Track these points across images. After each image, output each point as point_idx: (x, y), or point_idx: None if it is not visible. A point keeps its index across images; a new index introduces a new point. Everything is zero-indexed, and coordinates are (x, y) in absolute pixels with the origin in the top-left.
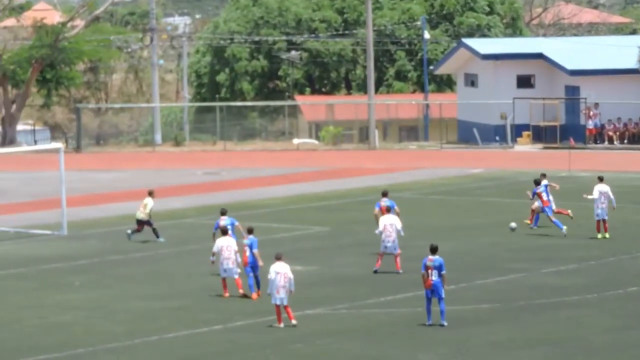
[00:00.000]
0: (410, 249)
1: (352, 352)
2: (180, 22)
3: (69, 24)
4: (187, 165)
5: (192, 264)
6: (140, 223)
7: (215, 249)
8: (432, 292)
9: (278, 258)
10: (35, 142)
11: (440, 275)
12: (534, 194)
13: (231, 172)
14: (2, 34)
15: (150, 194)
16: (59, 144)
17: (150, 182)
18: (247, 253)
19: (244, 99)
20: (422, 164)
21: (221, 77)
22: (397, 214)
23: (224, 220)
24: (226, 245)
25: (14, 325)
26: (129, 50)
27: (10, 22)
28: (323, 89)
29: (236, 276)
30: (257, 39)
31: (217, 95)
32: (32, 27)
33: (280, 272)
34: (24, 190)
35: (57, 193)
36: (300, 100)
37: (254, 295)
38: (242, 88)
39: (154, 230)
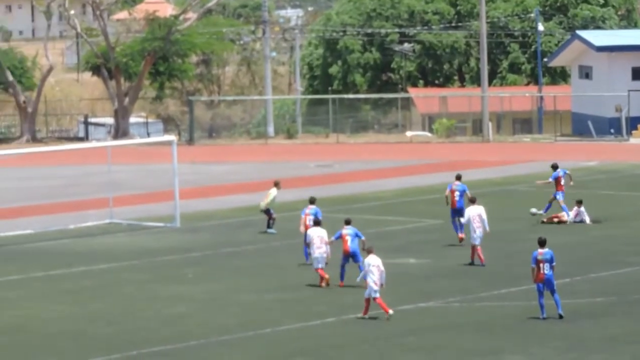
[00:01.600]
0: (525, 242)
1: (465, 346)
2: (293, 14)
3: (181, 17)
4: (300, 157)
5: (303, 256)
6: (266, 212)
7: (307, 239)
8: (544, 285)
9: (369, 251)
10: (148, 135)
11: (551, 268)
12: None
13: (344, 164)
14: (115, 27)
15: (276, 184)
16: (171, 137)
17: (263, 174)
18: (349, 243)
19: (357, 92)
20: (535, 156)
21: (334, 70)
22: (469, 199)
23: (310, 209)
24: (317, 235)
25: (127, 318)
26: (242, 42)
27: (123, 15)
28: (436, 82)
29: (320, 266)
30: (369, 31)
31: (329, 88)
32: (144, 20)
33: (374, 265)
34: (137, 183)
35: (169, 185)
36: (413, 92)
37: (341, 284)
38: (355, 80)
39: (269, 222)
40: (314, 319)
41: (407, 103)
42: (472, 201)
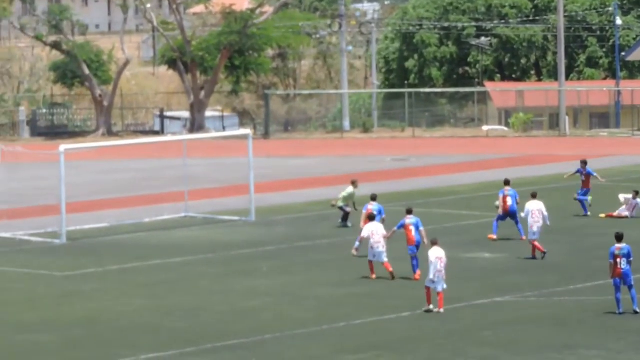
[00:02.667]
0: (603, 237)
1: (541, 340)
2: (369, 8)
3: (257, 11)
4: (376, 151)
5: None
6: (340, 208)
7: (364, 234)
8: (622, 280)
9: (434, 243)
10: (224, 129)
11: (629, 263)
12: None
13: (420, 158)
14: (192, 21)
15: (353, 183)
16: (247, 131)
17: (338, 168)
18: (413, 232)
19: (433, 86)
20: (613, 151)
21: (410, 64)
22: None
23: (372, 205)
24: (375, 230)
25: (202, 311)
26: (318, 36)
27: (200, 8)
28: (513, 76)
29: (385, 260)
30: (446, 25)
31: (405, 82)
32: (221, 14)
33: (438, 257)
34: (213, 177)
35: (245, 179)
36: (489, 86)
37: (416, 276)
38: (431, 74)
39: (345, 216)
40: (388, 312)
41: (484, 97)
42: (534, 196)
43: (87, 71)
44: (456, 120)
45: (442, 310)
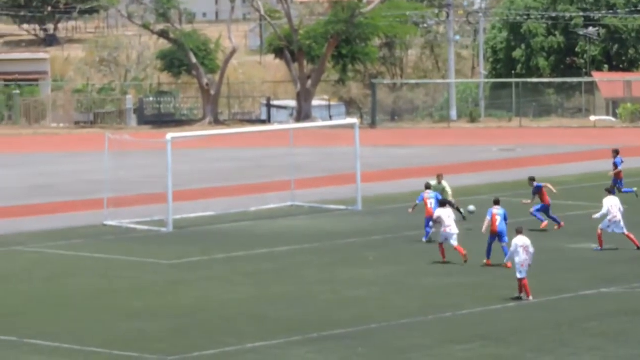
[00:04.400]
0: None
1: None
2: None
3: (365, 0)
4: (482, 141)
5: (484, 241)
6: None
7: (435, 216)
8: None
9: (519, 232)
10: (331, 118)
11: None
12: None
13: (526, 148)
14: (299, 10)
15: (438, 177)
16: (354, 120)
17: (445, 158)
18: (497, 222)
19: (540, 76)
20: None
21: (517, 53)
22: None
23: (428, 194)
24: (447, 215)
25: (307, 300)
26: (425, 25)
27: None
28: (621, 66)
29: (455, 243)
30: (553, 15)
31: (512, 72)
32: (328, 3)
33: (522, 246)
34: (319, 166)
35: (351, 168)
36: (597, 76)
37: (509, 264)
38: (538, 64)
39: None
40: (494, 303)
41: (591, 87)
42: (610, 192)
43: (194, 60)
44: (563, 111)
45: (531, 298)
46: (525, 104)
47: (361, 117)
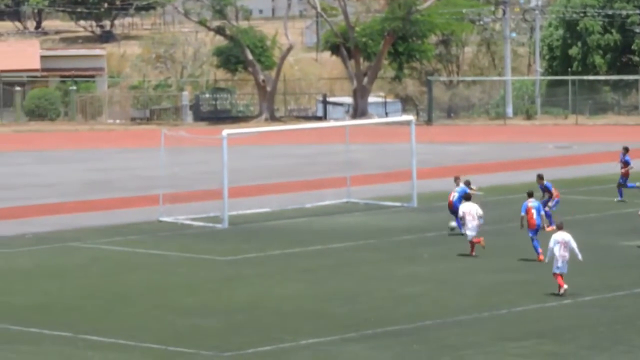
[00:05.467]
0: None
1: None
2: None
3: None
4: (538, 138)
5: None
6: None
7: (461, 213)
8: None
9: (560, 227)
10: (387, 114)
11: None
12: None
13: (582, 146)
14: (355, 6)
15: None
16: (410, 117)
17: (501, 155)
18: (534, 216)
19: (596, 73)
20: None
21: (573, 51)
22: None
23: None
24: (468, 210)
25: (364, 297)
26: (482, 23)
27: None
28: None
29: (473, 235)
30: (610, 12)
31: (569, 69)
32: (384, 0)
33: (560, 242)
34: (375, 162)
35: (407, 165)
36: None
37: (541, 257)
38: (594, 62)
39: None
40: (550, 300)
41: None
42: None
43: (250, 56)
44: (619, 108)
45: (562, 291)
46: (581, 102)
47: (417, 114)
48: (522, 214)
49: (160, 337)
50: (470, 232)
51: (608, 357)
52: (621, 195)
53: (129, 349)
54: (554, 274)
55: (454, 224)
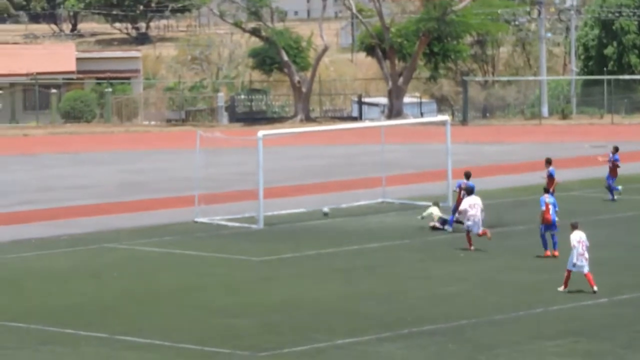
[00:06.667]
0: None
1: None
2: None
3: None
4: (574, 138)
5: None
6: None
7: (462, 207)
8: None
9: (574, 227)
10: (422, 115)
11: None
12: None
13: (618, 145)
14: (390, 7)
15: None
16: (445, 117)
17: (536, 155)
18: (550, 212)
19: (632, 72)
20: None
21: (609, 51)
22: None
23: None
24: (472, 204)
25: (399, 296)
26: (517, 23)
27: None
28: None
29: (477, 230)
30: None
31: (604, 69)
32: (419, 1)
33: (579, 241)
34: (410, 162)
35: (442, 165)
36: None
37: (555, 252)
38: (630, 61)
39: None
40: (585, 299)
41: None
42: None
43: (285, 57)
44: None
45: (595, 288)
46: (617, 101)
47: (452, 114)
48: (542, 208)
49: (196, 337)
50: (473, 225)
51: None
52: (612, 195)
53: (165, 349)
54: (584, 273)
55: (326, 209)
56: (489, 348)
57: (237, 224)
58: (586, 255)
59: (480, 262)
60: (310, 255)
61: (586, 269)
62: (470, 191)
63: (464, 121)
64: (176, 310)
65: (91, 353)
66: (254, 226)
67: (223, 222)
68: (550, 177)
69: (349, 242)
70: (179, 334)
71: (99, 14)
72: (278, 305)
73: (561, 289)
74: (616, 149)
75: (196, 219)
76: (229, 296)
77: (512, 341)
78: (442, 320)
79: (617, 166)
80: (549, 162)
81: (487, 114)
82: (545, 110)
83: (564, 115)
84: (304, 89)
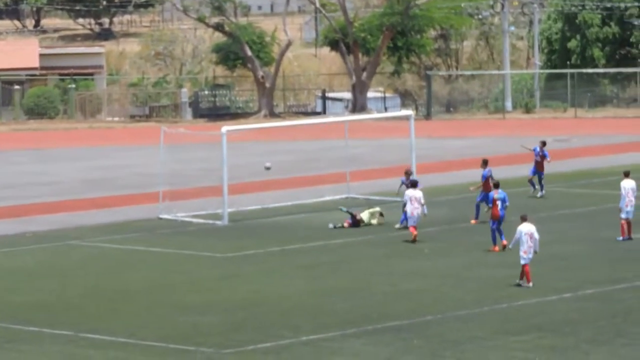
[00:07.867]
0: None
1: None
2: None
3: None
4: (538, 132)
5: (544, 231)
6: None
7: (405, 198)
8: None
9: (524, 219)
10: (386, 109)
11: None
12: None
13: (582, 139)
14: (354, 2)
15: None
16: (409, 111)
17: (500, 149)
18: (498, 207)
19: (595, 66)
20: None
21: (572, 44)
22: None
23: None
24: (413, 196)
25: (363, 292)
26: (480, 17)
27: None
28: None
29: (414, 224)
30: (608, 5)
31: (568, 62)
32: None
33: (527, 233)
34: (375, 157)
35: (407, 160)
36: None
37: (503, 242)
38: (593, 55)
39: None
40: (550, 294)
41: None
42: (627, 175)
43: (249, 53)
44: (619, 101)
45: (531, 284)
46: (581, 95)
47: (416, 108)
48: (489, 205)
49: (161, 334)
50: (410, 219)
51: (608, 350)
52: (534, 187)
53: (130, 347)
54: (523, 265)
55: (269, 164)
56: (455, 344)
57: (201, 221)
58: (536, 247)
59: (445, 258)
60: (275, 251)
61: (526, 261)
62: (414, 184)
63: (428, 116)
64: (140, 307)
65: (56, 351)
66: (218, 222)
67: (187, 219)
68: (483, 178)
69: (313, 238)
70: (144, 331)
71: (62, 9)
72: (243, 302)
73: (530, 284)
74: (544, 143)
75: (160, 216)
76: (193, 293)
77: (477, 337)
78: (407, 316)
79: (546, 160)
80: (485, 163)
81: (451, 109)
82: (509, 104)
83: (528, 109)
84: (267, 84)
